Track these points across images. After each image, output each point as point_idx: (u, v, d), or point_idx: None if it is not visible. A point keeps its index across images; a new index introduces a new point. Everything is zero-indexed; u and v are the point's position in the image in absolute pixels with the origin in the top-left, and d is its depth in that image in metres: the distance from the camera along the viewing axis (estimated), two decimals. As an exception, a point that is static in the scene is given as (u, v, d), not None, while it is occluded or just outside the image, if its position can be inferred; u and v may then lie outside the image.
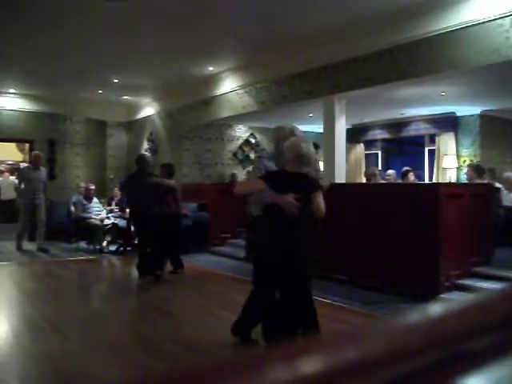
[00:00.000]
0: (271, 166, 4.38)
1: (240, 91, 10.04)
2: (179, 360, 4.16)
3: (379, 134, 13.93)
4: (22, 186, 10.56)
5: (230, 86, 10.29)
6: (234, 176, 12.54)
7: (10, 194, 17.30)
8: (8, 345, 4.75)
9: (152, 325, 5.42)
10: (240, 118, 11.27)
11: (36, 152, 11.00)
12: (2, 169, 18.57)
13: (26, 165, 10.61)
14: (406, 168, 9.57)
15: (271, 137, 4.55)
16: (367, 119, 13.28)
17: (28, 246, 10.90)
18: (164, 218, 7.61)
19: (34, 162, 10.48)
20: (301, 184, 3.86)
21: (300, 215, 3.79)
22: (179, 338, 4.79)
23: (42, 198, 10.43)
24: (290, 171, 3.90)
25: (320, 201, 3.88)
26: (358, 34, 7.37)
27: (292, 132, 4.51)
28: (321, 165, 9.83)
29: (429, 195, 6.30)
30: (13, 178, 18.00)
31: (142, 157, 8.05)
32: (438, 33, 6.40)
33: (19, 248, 10.58)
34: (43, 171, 10.58)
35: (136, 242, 10.56)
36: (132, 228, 8.90)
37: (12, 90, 12.42)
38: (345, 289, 6.72)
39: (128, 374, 3.91)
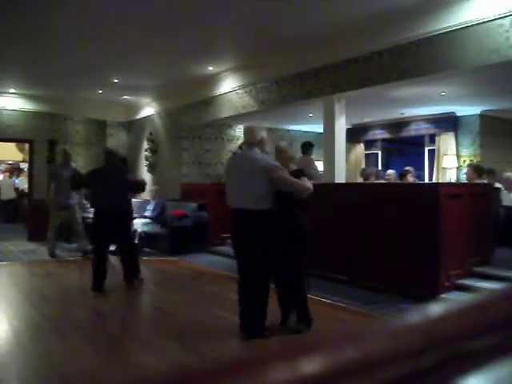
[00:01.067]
0: None
1: (240, 91, 10.04)
2: (179, 360, 4.16)
3: (379, 134, 13.93)
4: (52, 186, 9.88)
5: (230, 86, 10.29)
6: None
7: (10, 194, 17.36)
8: (8, 344, 4.76)
9: (152, 325, 5.43)
10: (240, 117, 11.27)
11: (65, 149, 10.58)
12: (2, 169, 18.63)
13: (56, 163, 10.03)
14: (405, 168, 9.57)
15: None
16: (367, 119, 13.28)
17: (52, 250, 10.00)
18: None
19: (64, 160, 9.95)
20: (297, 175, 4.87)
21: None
22: (179, 337, 4.79)
23: (76, 197, 9.85)
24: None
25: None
26: (357, 34, 7.36)
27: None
28: (320, 164, 9.90)
29: (429, 195, 6.29)
30: (12, 179, 18.07)
31: (112, 151, 7.83)
32: (437, 33, 6.39)
33: (53, 255, 9.84)
34: (73, 169, 9.63)
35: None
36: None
37: (12, 90, 12.41)
38: (344, 289, 6.72)
39: (128, 375, 3.91)
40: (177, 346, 4.56)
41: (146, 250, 10.55)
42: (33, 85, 11.78)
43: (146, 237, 10.75)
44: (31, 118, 13.11)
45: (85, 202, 10.50)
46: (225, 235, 10.42)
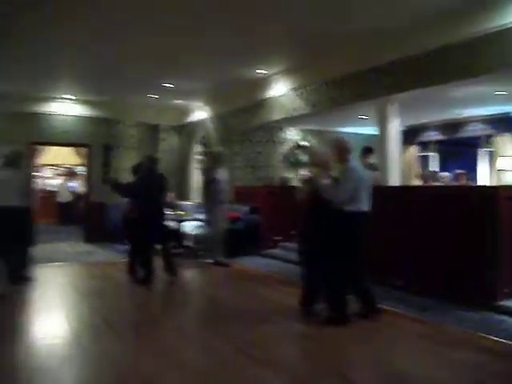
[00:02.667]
0: None
1: (291, 93, 10.01)
2: (235, 365, 4.16)
3: (434, 136, 13.64)
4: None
5: (280, 89, 10.27)
6: (284, 179, 12.50)
7: (67, 197, 17.83)
8: (67, 344, 4.86)
9: (208, 328, 5.44)
10: (291, 120, 11.24)
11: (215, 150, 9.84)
12: (60, 172, 19.16)
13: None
14: (458, 171, 9.35)
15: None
16: (421, 120, 13.03)
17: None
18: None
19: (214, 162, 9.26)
20: None
21: None
22: (235, 342, 4.79)
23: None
24: None
25: None
26: (409, 33, 7.21)
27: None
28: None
29: (487, 198, 6.08)
30: (69, 182, 18.54)
31: (155, 157, 8.45)
32: (494, 30, 6.20)
33: (218, 263, 9.20)
34: (225, 171, 9.33)
35: (185, 243, 10.71)
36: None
37: (69, 96, 12.76)
38: (400, 294, 6.58)
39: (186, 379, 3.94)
40: (232, 349, 4.56)
41: (199, 252, 10.63)
42: (89, 91, 12.09)
43: (199, 239, 10.83)
44: (87, 124, 13.45)
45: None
46: (277, 238, 10.43)
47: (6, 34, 7.74)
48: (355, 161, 5.77)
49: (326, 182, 5.35)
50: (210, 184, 9.04)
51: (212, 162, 9.33)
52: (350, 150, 5.56)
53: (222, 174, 9.15)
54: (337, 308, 5.30)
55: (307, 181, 5.63)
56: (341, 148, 5.54)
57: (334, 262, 5.34)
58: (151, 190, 7.86)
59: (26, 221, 7.43)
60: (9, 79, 10.71)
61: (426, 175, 9.06)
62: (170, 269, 8.04)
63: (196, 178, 13.65)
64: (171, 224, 11.09)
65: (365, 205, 5.45)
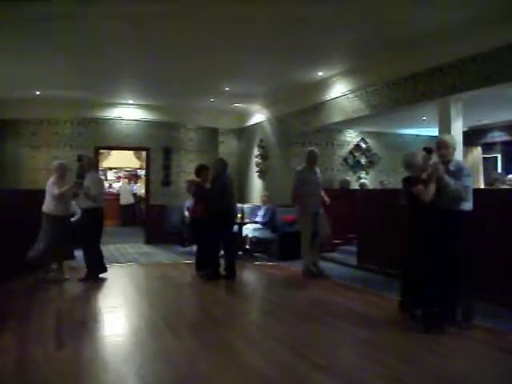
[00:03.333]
0: None
1: (350, 95, 9.89)
2: (294, 369, 4.12)
3: (498, 137, 13.20)
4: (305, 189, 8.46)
5: (340, 91, 10.16)
6: (345, 182, 12.36)
7: (128, 199, 18.26)
8: (128, 341, 4.95)
9: (266, 331, 5.42)
10: (350, 122, 11.11)
11: (311, 149, 8.94)
12: (121, 175, 19.64)
13: (301, 166, 8.51)
14: None
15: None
16: (485, 121, 12.63)
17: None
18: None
19: (310, 161, 8.58)
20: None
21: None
22: (293, 345, 4.75)
23: (322, 206, 8.65)
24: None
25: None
26: (474, 30, 6.97)
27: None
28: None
29: None
30: (131, 185, 18.98)
31: (225, 161, 8.77)
32: None
33: (312, 272, 8.52)
34: (318, 172, 8.78)
35: (246, 246, 10.76)
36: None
37: (130, 101, 13.06)
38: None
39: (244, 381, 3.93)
40: (287, 351, 4.52)
41: (257, 254, 10.66)
42: (149, 95, 12.33)
43: (257, 242, 10.86)
44: (148, 127, 13.72)
45: None
46: (336, 241, 10.31)
47: (72, 49, 8.08)
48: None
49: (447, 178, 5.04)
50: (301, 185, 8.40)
51: (310, 162, 8.58)
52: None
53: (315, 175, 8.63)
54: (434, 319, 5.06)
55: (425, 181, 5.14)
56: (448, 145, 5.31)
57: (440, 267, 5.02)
58: (226, 192, 8.27)
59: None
60: (77, 88, 11.07)
61: (495, 178, 8.74)
62: (231, 270, 8.29)
63: (256, 180, 13.67)
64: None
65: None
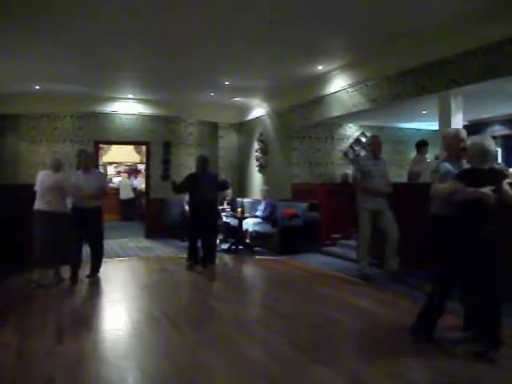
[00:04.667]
0: (447, 166, 4.60)
1: (350, 89, 9.86)
2: (294, 362, 4.13)
3: (498, 131, 13.17)
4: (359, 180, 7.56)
5: (340, 85, 10.14)
6: (346, 176, 12.35)
7: (128, 194, 18.27)
8: (128, 335, 4.96)
9: (264, 323, 5.44)
10: (350, 116, 11.09)
11: (375, 135, 8.49)
12: (121, 170, 19.65)
13: (363, 153, 7.49)
14: None
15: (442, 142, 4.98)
16: (485, 115, 12.60)
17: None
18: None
19: (374, 150, 7.73)
20: (492, 177, 4.22)
21: (495, 205, 4.13)
22: (293, 339, 4.76)
23: (386, 202, 7.44)
24: (479, 168, 4.29)
25: (508, 188, 4.26)
26: (475, 23, 6.95)
27: (456, 134, 4.84)
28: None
29: None
30: (131, 179, 18.99)
31: (205, 157, 9.27)
32: None
33: (366, 278, 7.45)
34: (385, 162, 7.89)
35: (247, 240, 10.77)
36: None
37: (130, 96, 13.02)
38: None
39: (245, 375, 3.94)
40: (289, 346, 4.53)
41: (257, 249, 10.67)
42: (149, 90, 12.30)
43: (257, 236, 10.87)
44: (148, 122, 13.69)
45: None
46: (336, 236, 10.33)
47: (72, 43, 8.02)
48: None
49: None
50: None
51: (374, 150, 7.73)
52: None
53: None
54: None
55: None
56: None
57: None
58: (199, 186, 8.71)
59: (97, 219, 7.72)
60: (77, 82, 11.05)
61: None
62: (206, 260, 8.81)
63: (256, 175, 13.67)
64: (229, 221, 11.21)
65: None
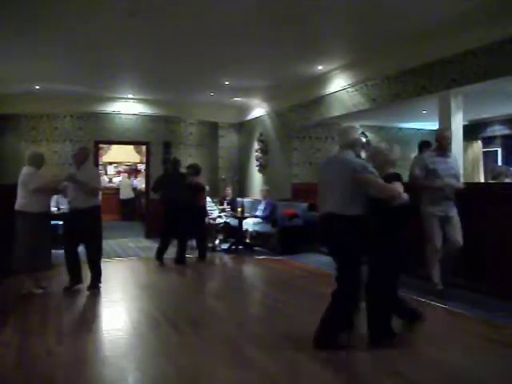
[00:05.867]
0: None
1: (350, 89, 9.86)
2: (295, 362, 4.13)
3: (499, 131, 13.19)
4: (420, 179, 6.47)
5: (339, 85, 10.14)
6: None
7: (129, 194, 18.26)
8: (128, 335, 4.96)
9: (265, 325, 5.43)
10: (350, 116, 11.07)
11: (440, 129, 7.44)
12: (121, 170, 19.64)
13: (430, 152, 6.51)
14: None
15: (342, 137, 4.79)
16: (485, 114, 12.61)
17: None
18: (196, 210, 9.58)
19: (440, 147, 6.56)
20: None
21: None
22: (293, 339, 4.76)
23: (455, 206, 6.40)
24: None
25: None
26: (475, 24, 6.95)
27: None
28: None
29: None
30: (131, 179, 18.98)
31: (177, 159, 10.04)
32: None
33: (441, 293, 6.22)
34: (454, 159, 6.69)
35: (247, 240, 10.78)
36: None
37: (130, 96, 13.02)
38: (474, 297, 6.17)
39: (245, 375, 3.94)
40: (291, 347, 4.52)
41: (257, 249, 10.68)
42: (149, 90, 12.31)
43: (257, 236, 10.88)
44: (148, 122, 13.69)
45: None
46: (335, 235, 10.30)
47: (72, 43, 8.02)
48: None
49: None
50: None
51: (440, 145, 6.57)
52: None
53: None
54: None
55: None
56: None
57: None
58: (166, 187, 9.46)
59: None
60: (77, 82, 11.06)
61: (498, 171, 8.64)
62: (177, 258, 9.23)
63: (256, 175, 13.66)
64: (229, 221, 11.20)
65: None
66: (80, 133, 12.85)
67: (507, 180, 8.13)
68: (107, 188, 17.80)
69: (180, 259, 9.17)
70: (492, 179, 8.55)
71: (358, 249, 4.41)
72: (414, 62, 8.12)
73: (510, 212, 6.17)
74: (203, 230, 9.88)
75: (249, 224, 10.81)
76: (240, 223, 10.53)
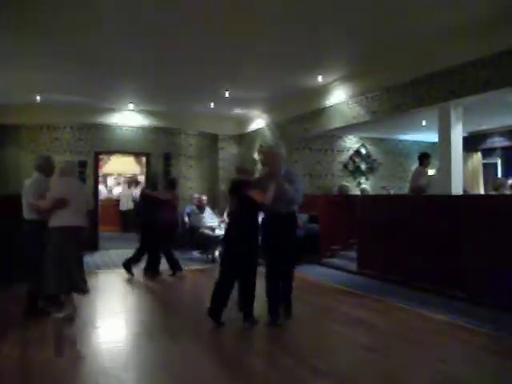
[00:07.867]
0: None
1: (350, 101, 9.90)
2: (294, 373, 4.11)
3: (498, 142, 13.21)
4: None
5: (340, 97, 10.18)
6: (343, 187, 12.36)
7: (128, 205, 18.21)
8: (128, 347, 4.94)
9: (266, 336, 5.41)
10: (350, 128, 11.11)
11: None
12: (121, 181, 19.60)
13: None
14: None
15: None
16: (485, 126, 12.64)
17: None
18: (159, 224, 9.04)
19: None
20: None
21: None
22: (294, 350, 4.74)
23: None
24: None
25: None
26: (475, 35, 6.99)
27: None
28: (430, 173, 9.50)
29: None
30: (131, 190, 18.94)
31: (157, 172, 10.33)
32: None
33: None
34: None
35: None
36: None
37: (131, 107, 13.06)
38: (462, 306, 6.35)
39: None
40: (291, 359, 4.50)
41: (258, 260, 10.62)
42: (149, 101, 12.35)
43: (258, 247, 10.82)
44: (148, 133, 13.71)
45: None
46: (335, 247, 10.32)
47: (72, 54, 8.07)
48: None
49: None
50: None
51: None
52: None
53: None
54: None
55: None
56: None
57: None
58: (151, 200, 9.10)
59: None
60: (77, 93, 11.11)
61: (500, 183, 8.69)
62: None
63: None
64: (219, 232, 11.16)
65: None
66: (80, 144, 12.88)
67: (506, 191, 8.17)
68: (107, 199, 17.78)
69: (148, 269, 9.16)
70: (493, 191, 8.58)
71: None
72: (413, 74, 8.17)
73: None
74: (167, 244, 9.38)
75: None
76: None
